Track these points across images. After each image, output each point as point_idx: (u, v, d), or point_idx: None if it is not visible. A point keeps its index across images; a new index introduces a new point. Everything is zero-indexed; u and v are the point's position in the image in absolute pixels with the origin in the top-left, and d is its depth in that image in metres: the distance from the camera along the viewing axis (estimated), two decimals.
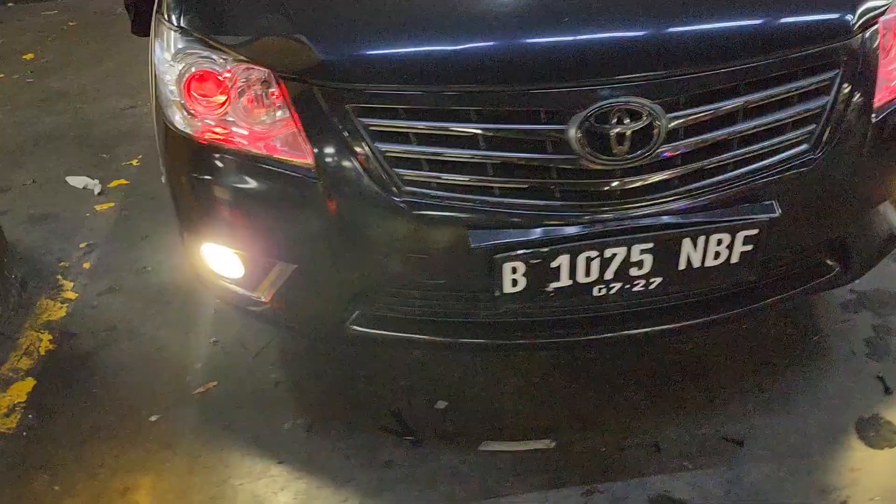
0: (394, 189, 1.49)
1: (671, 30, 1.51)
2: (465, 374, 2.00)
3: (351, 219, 1.55)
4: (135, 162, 3.25)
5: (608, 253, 1.49)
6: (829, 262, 1.79)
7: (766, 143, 1.53)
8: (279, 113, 1.56)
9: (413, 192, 1.49)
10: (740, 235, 1.50)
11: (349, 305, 1.69)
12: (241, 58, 1.58)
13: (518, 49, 1.49)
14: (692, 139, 1.48)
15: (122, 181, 3.09)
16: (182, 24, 1.66)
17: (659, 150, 1.46)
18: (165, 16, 1.72)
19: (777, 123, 1.53)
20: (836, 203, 1.66)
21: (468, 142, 1.47)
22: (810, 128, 1.56)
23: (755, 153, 1.53)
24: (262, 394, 1.98)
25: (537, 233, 1.48)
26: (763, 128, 1.52)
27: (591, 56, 1.47)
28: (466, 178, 1.49)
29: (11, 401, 1.99)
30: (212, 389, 2.00)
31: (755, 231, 1.50)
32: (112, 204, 2.92)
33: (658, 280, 1.55)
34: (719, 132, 1.49)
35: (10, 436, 1.89)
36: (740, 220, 1.49)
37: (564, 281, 1.52)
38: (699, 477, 1.68)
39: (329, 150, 1.51)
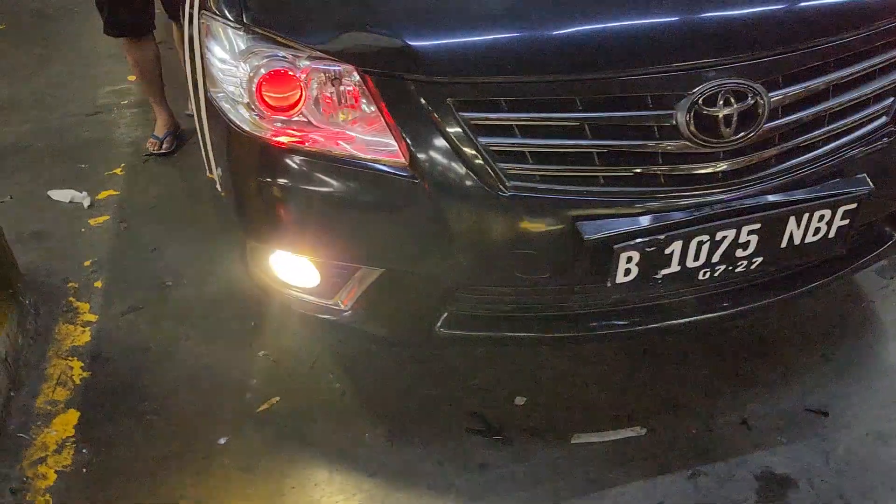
0: (498, 184, 1.44)
1: (771, 9, 1.51)
2: (535, 368, 1.97)
3: (450, 217, 1.49)
4: (118, 171, 3.06)
5: (719, 236, 1.48)
6: (888, 229, 1.85)
7: (851, 119, 1.56)
8: (364, 111, 1.49)
9: (518, 187, 1.45)
10: (840, 210, 1.53)
11: (438, 307, 1.63)
12: (319, 54, 1.49)
13: (624, 34, 1.46)
14: (791, 117, 1.49)
15: (112, 192, 2.91)
16: (246, 21, 1.55)
17: (762, 130, 1.46)
18: (221, 12, 1.61)
19: (862, 98, 1.56)
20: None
21: (573, 131, 1.44)
22: (888, 101, 1.60)
23: (843, 129, 1.56)
24: (331, 405, 1.90)
25: (650, 220, 1.46)
26: (850, 104, 1.55)
27: (699, 38, 1.46)
28: (571, 168, 1.46)
29: (59, 436, 1.84)
30: (276, 405, 1.91)
31: (854, 205, 1.53)
32: (107, 217, 2.74)
33: (759, 260, 1.55)
34: (813, 109, 1.51)
35: (69, 474, 1.74)
36: (841, 195, 1.51)
37: (674, 267, 1.50)
38: (795, 450, 1.71)
39: (426, 146, 1.45)
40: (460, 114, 1.43)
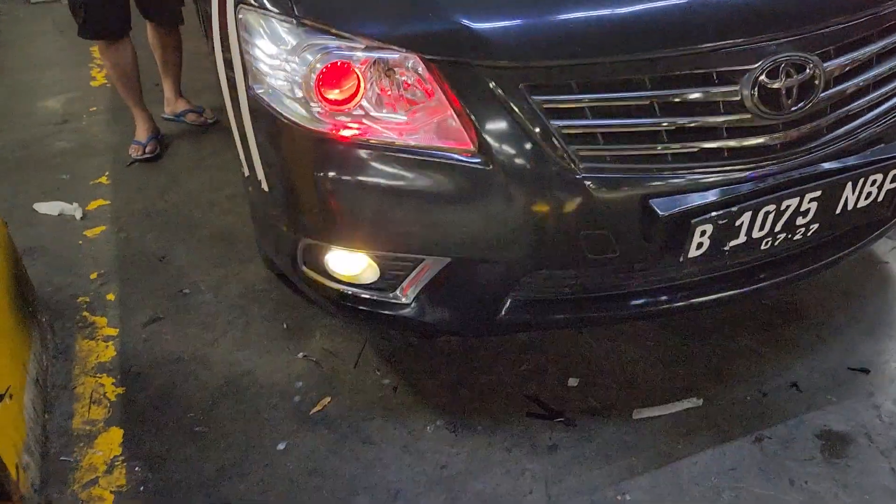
0: (572, 166, 1.45)
1: None
2: (580, 349, 1.99)
3: (523, 202, 1.48)
4: (104, 180, 2.94)
5: (784, 205, 1.52)
6: None
7: (892, 86, 1.63)
8: (428, 99, 1.47)
9: (590, 168, 1.46)
10: (891, 174, 1.59)
11: (502, 294, 1.63)
12: (378, 44, 1.47)
13: (692, 11, 1.47)
14: (842, 86, 1.54)
15: (102, 201, 2.79)
16: (298, 13, 1.51)
17: (818, 100, 1.51)
18: (264, 4, 1.57)
19: None
20: None
21: (643, 110, 1.45)
22: None
23: (886, 96, 1.62)
24: (385, 401, 1.88)
25: (720, 193, 1.48)
26: (891, 71, 1.61)
27: (761, 13, 1.48)
28: (641, 147, 1.48)
29: (106, 456, 1.76)
30: (328, 406, 1.87)
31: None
32: (103, 227, 2.63)
33: (815, 226, 1.60)
34: (861, 77, 1.57)
35: (127, 493, 1.67)
36: (892, 158, 1.58)
37: (741, 238, 1.54)
38: (847, 408, 1.78)
39: (497, 132, 1.44)
40: (533, 97, 1.42)
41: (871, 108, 1.61)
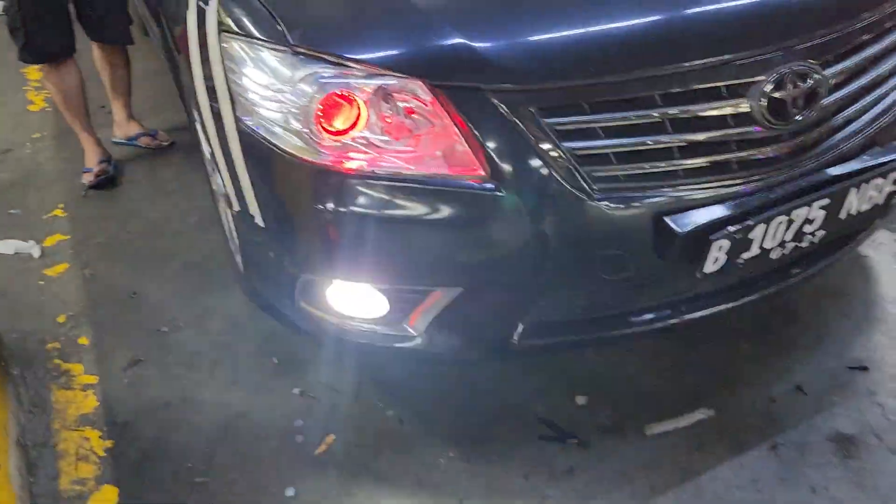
0: (586, 188, 1.42)
1: None
2: (583, 365, 1.97)
3: (537, 227, 1.44)
4: (59, 212, 2.78)
5: (794, 215, 1.52)
6: None
7: (885, 90, 1.65)
8: (434, 126, 1.42)
9: (604, 189, 1.43)
10: (891, 177, 1.60)
11: (515, 319, 1.59)
12: (380, 71, 1.40)
13: (700, 26, 1.46)
14: (841, 92, 1.55)
15: (60, 236, 2.64)
16: (292, 41, 1.43)
17: (821, 108, 1.51)
18: (252, 33, 1.49)
19: (892, 69, 1.65)
20: None
21: (654, 128, 1.43)
22: None
23: (879, 99, 1.64)
24: (392, 435, 1.81)
25: (734, 207, 1.47)
26: (883, 75, 1.63)
27: (766, 25, 1.47)
28: (654, 165, 1.45)
29: None
30: (333, 444, 1.79)
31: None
32: (65, 265, 2.49)
33: (822, 233, 1.61)
34: (859, 82, 1.58)
35: None
36: (892, 163, 1.59)
37: (754, 250, 1.53)
38: (853, 408, 1.80)
39: (509, 157, 1.40)
40: (544, 120, 1.39)
41: (865, 112, 1.63)
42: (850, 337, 2.00)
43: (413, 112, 1.42)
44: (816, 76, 1.47)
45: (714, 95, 1.44)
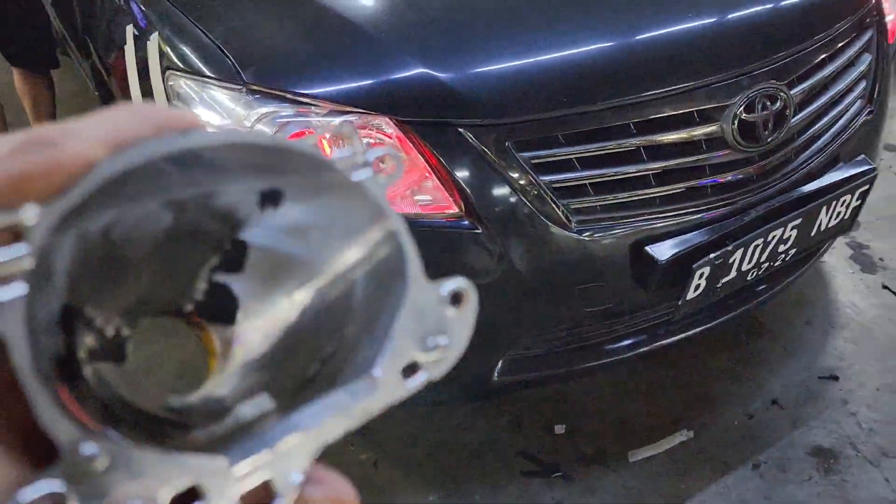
0: (566, 221, 1.37)
1: (783, 13, 1.55)
2: (559, 391, 1.92)
3: (518, 263, 1.39)
4: None
5: (770, 236, 1.51)
6: None
7: (843, 105, 1.66)
8: (402, 164, 1.35)
9: (583, 221, 1.39)
10: (857, 192, 1.61)
11: (496, 356, 1.53)
12: (343, 108, 1.33)
13: (669, 51, 1.44)
14: (808, 111, 1.55)
15: None
16: (246, 79, 1.35)
17: (789, 128, 1.51)
18: (202, 71, 1.39)
19: (851, 84, 1.66)
20: (878, 145, 1.84)
21: (630, 156, 1.40)
22: (863, 85, 1.71)
23: (839, 115, 1.65)
24: (368, 479, 1.73)
25: (713, 233, 1.45)
26: (843, 92, 1.64)
27: (734, 49, 1.47)
28: (632, 194, 1.42)
29: None
30: None
31: (867, 186, 1.62)
32: None
33: (794, 251, 1.61)
34: (821, 100, 1.58)
35: None
36: (858, 178, 1.60)
37: (732, 274, 1.52)
38: (828, 420, 1.81)
39: (484, 194, 1.35)
40: (520, 154, 1.34)
41: (828, 129, 1.64)
42: (816, 346, 2.02)
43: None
44: (783, 96, 1.47)
45: (686, 121, 1.42)
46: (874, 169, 1.63)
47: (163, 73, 1.48)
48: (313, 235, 0.33)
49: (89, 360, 0.29)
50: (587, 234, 1.39)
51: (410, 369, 0.31)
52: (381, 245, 0.32)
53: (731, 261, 1.48)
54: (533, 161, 1.35)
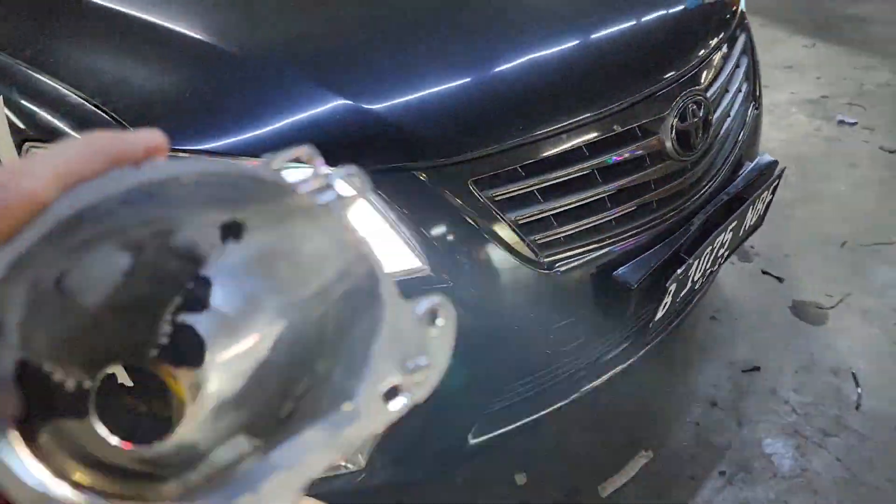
0: (535, 258, 1.26)
1: (687, 21, 1.56)
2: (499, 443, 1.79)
3: (491, 310, 1.26)
4: None
5: (716, 242, 1.50)
6: None
7: (738, 108, 1.70)
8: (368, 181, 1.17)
9: (550, 255, 1.29)
10: (771, 188, 1.66)
11: (473, 417, 1.38)
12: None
13: (607, 69, 1.37)
14: (717, 113, 1.57)
15: None
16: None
17: (711, 132, 1.52)
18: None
19: (739, 86, 1.71)
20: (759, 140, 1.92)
21: (587, 181, 1.32)
22: (747, 85, 1.78)
23: (739, 114, 1.70)
24: None
25: (671, 247, 1.41)
26: (736, 94, 1.69)
27: (658, 59, 1.44)
28: (591, 220, 1.34)
29: None
30: None
31: (777, 181, 1.67)
32: None
33: (727, 253, 1.62)
34: (726, 101, 1.61)
35: None
36: (773, 176, 1.64)
37: (689, 284, 1.48)
38: (765, 411, 1.83)
39: (449, 240, 1.20)
40: (483, 192, 1.20)
41: (738, 130, 1.67)
42: (727, 339, 2.06)
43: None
44: (705, 101, 1.47)
45: (632, 137, 1.37)
46: (777, 162, 1.68)
47: (19, 146, 1.17)
48: (280, 265, 0.32)
49: (50, 418, 0.27)
50: (557, 269, 1.29)
51: (391, 393, 0.30)
52: (351, 268, 0.32)
53: (690, 272, 1.44)
54: (496, 198, 1.22)
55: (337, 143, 1.15)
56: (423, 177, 1.16)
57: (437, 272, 1.18)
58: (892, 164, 2.88)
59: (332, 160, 1.00)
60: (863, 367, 1.94)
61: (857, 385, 1.89)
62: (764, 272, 2.32)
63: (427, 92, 1.22)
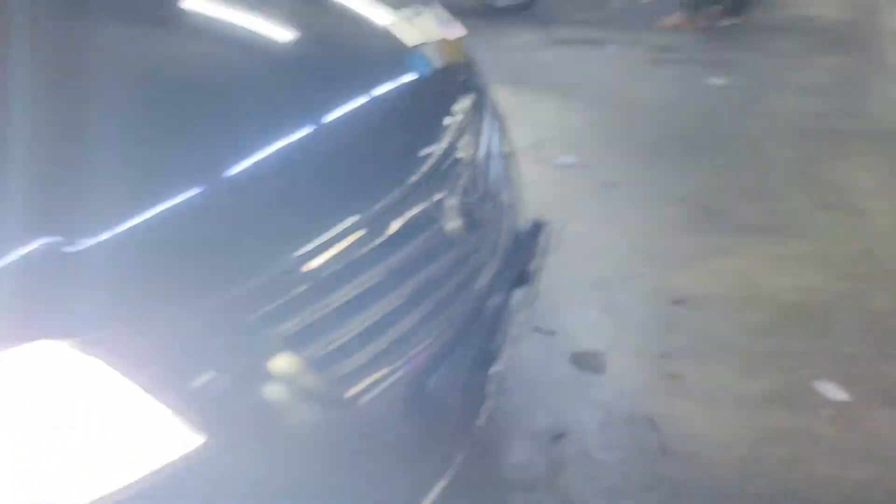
0: (339, 396, 1.03)
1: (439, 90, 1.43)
2: None
3: (297, 465, 0.99)
4: None
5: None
6: None
7: (501, 167, 1.61)
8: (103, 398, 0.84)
9: (353, 388, 1.05)
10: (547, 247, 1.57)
11: None
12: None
13: (363, 162, 1.17)
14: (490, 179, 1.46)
15: None
16: None
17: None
18: None
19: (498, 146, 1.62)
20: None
21: (380, 288, 1.10)
22: (500, 146, 1.69)
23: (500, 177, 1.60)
24: None
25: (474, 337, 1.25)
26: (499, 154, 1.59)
27: (422, 135, 1.28)
28: (389, 332, 1.12)
29: None
30: None
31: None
32: None
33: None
34: (493, 166, 1.51)
35: None
36: (545, 234, 1.57)
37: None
38: (585, 480, 1.72)
39: (231, 398, 0.92)
40: (269, 330, 0.93)
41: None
42: (525, 410, 1.94)
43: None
44: (476, 171, 1.35)
45: (420, 227, 1.18)
46: (545, 221, 1.62)
47: None
48: None
49: None
50: (362, 399, 1.05)
51: None
52: None
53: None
54: (286, 332, 0.95)
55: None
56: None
57: (218, 442, 0.87)
58: (618, 198, 3.03)
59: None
60: (655, 409, 1.93)
61: (655, 430, 1.87)
62: (535, 329, 2.24)
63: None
